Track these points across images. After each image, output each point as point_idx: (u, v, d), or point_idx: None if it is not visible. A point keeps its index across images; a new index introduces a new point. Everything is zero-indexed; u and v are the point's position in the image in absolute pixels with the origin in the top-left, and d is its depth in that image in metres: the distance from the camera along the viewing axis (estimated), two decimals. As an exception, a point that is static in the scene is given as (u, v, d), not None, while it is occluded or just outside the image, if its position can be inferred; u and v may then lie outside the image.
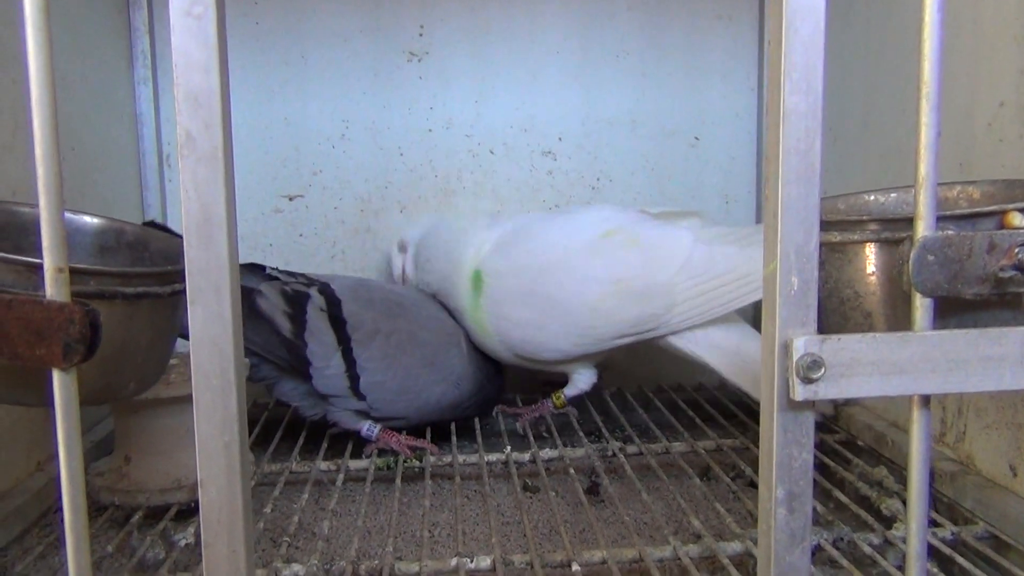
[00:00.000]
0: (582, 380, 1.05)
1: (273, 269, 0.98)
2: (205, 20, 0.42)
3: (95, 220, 0.61)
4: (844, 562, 0.65)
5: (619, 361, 1.11)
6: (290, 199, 1.18)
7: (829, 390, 0.45)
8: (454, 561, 0.67)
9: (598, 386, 1.13)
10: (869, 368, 0.46)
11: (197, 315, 0.44)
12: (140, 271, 0.52)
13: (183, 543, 0.72)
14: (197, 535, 0.73)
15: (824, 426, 0.99)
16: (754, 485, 0.85)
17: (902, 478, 0.83)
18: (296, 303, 0.93)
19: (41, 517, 0.81)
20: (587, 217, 1.01)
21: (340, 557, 0.69)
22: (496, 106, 1.18)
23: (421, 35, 1.16)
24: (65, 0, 0.96)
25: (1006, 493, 0.71)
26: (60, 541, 0.76)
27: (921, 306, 0.47)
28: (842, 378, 0.46)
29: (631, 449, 0.94)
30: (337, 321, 0.93)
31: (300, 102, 1.16)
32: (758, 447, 0.93)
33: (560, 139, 1.20)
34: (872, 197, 0.64)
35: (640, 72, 1.19)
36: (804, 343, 0.45)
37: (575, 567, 0.66)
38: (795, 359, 0.45)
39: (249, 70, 1.15)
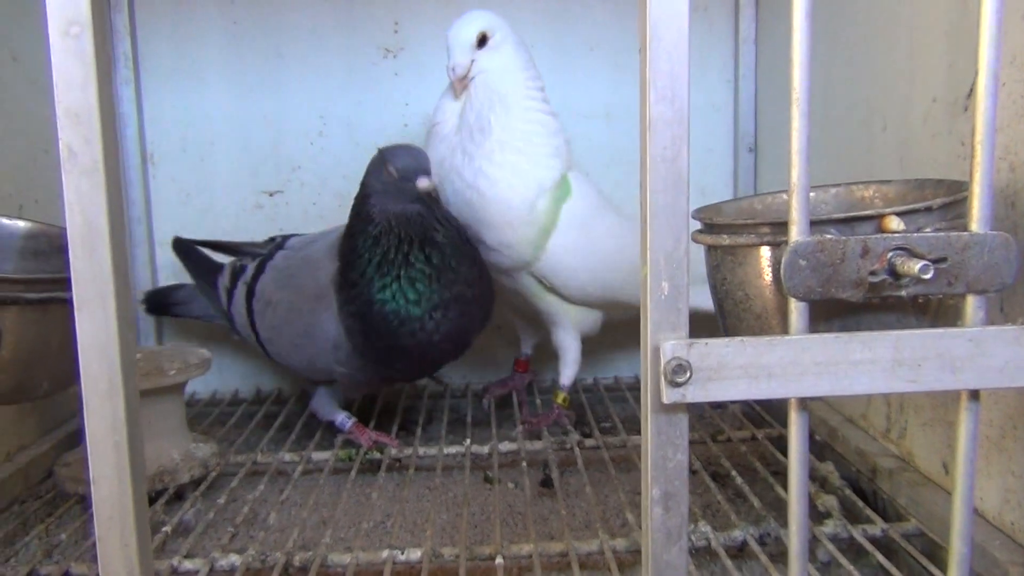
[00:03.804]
0: (572, 358, 1.01)
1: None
2: (82, 39, 0.44)
3: (25, 224, 0.64)
4: (763, 558, 0.66)
5: (600, 344, 1.13)
6: (270, 195, 1.20)
7: (697, 393, 0.46)
8: (385, 553, 0.69)
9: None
10: (737, 372, 0.47)
11: (84, 322, 0.46)
12: (46, 277, 0.54)
13: (133, 532, 0.75)
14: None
15: (786, 420, 0.99)
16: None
17: (848, 474, 0.83)
18: (234, 278, 1.00)
19: (9, 505, 0.85)
20: None
21: (278, 548, 0.71)
22: (471, 101, 1.19)
23: (396, 31, 1.17)
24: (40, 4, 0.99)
25: (938, 491, 0.71)
26: (25, 527, 0.80)
27: (795, 310, 0.48)
28: (710, 382, 0.47)
29: (589, 443, 0.95)
30: (251, 293, 0.98)
31: (278, 99, 1.18)
32: (715, 441, 0.94)
33: (535, 133, 1.20)
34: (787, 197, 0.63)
35: (614, 65, 1.19)
36: (672, 347, 0.46)
37: (499, 560, 0.68)
38: (663, 363, 0.46)
39: (228, 68, 1.17)
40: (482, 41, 0.91)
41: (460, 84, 0.92)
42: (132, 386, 0.48)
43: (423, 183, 0.82)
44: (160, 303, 1.14)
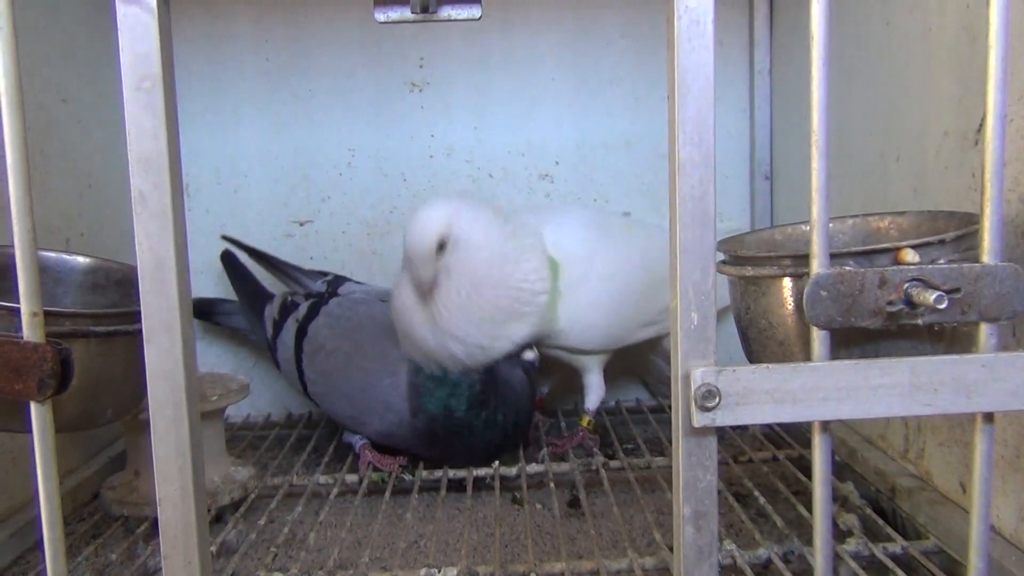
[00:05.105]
0: (596, 384, 1.06)
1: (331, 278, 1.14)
2: (154, 93, 0.48)
3: (85, 260, 0.68)
4: (788, 575, 0.68)
5: (622, 371, 1.17)
6: (300, 224, 1.24)
7: (726, 417, 0.49)
8: (423, 572, 0.72)
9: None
10: (763, 397, 0.49)
11: (152, 352, 0.49)
12: (112, 311, 0.58)
13: (179, 553, 0.78)
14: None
15: (806, 441, 1.01)
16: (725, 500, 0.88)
17: (868, 493, 0.85)
18: (285, 312, 1.06)
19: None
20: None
21: (319, 567, 0.74)
22: (495, 132, 1.23)
23: (421, 67, 1.22)
24: (86, 50, 1.04)
25: (956, 509, 0.73)
26: (74, 549, 0.83)
27: (817, 338, 0.51)
28: (738, 406, 0.49)
29: (614, 464, 0.98)
30: (302, 332, 1.02)
31: (309, 133, 1.22)
32: (737, 462, 0.97)
33: (557, 163, 1.24)
34: (806, 228, 0.67)
35: (633, 97, 1.22)
36: (701, 374, 0.49)
37: (533, 578, 0.71)
38: (693, 389, 0.49)
39: (261, 105, 1.21)
40: (441, 246, 0.88)
41: (430, 291, 0.90)
42: (195, 412, 0.51)
43: (529, 355, 0.96)
44: (205, 310, 1.21)
